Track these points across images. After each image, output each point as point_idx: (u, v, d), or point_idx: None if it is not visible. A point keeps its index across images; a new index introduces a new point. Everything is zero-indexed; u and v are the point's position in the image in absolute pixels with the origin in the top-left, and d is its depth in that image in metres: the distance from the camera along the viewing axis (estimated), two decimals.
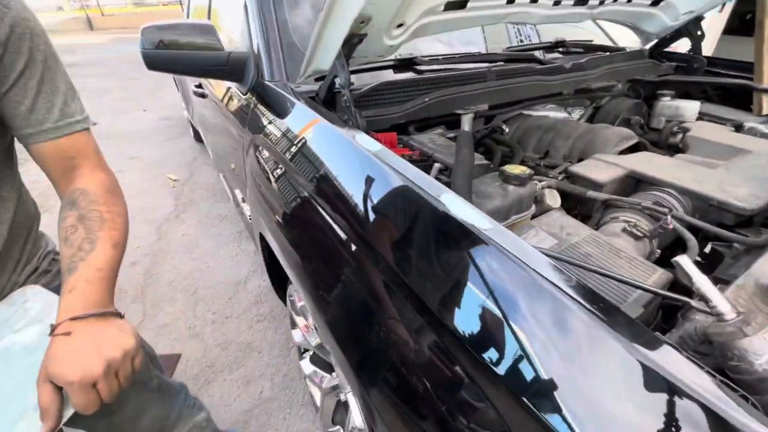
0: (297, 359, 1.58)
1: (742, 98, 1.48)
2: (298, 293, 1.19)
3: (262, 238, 1.22)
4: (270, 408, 1.43)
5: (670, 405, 0.35)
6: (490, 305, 0.46)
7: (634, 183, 0.94)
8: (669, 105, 1.38)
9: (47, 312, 0.60)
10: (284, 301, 1.43)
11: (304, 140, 0.89)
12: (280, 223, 0.96)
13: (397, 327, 0.59)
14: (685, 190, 0.83)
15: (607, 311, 0.40)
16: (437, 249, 0.53)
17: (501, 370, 0.44)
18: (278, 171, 1.00)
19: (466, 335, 0.48)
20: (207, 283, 2.01)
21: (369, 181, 0.66)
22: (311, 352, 1.34)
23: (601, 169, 0.94)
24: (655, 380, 0.35)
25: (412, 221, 0.57)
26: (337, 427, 1.26)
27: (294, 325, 1.34)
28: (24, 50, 0.55)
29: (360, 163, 0.70)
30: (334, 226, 0.72)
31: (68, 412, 0.48)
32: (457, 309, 0.50)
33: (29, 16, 0.56)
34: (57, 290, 0.63)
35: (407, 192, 0.59)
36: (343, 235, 0.70)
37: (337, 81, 0.95)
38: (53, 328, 0.49)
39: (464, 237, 0.50)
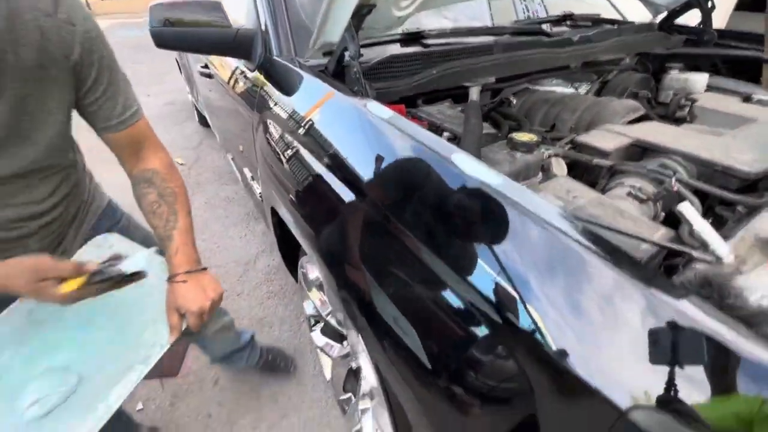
0: (307, 333, 1.63)
1: (752, 72, 1.46)
2: (310, 264, 1.22)
3: (274, 213, 1.25)
4: (282, 378, 1.48)
5: (677, 337, 0.38)
6: (504, 256, 0.48)
7: (640, 152, 0.95)
8: (677, 78, 1.37)
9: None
10: (295, 277, 1.47)
11: (315, 112, 0.91)
12: (292, 195, 0.98)
13: (410, 284, 0.62)
14: (691, 157, 0.84)
15: (614, 254, 0.43)
16: (451, 206, 0.55)
17: (518, 320, 0.46)
18: (289, 144, 1.02)
19: (481, 287, 0.51)
20: (217, 263, 2.06)
21: (382, 146, 0.69)
22: (322, 324, 1.39)
23: (607, 138, 0.95)
24: (663, 313, 0.38)
25: (426, 182, 0.59)
26: (349, 394, 1.30)
27: (305, 296, 1.38)
28: (94, 61, 0.64)
29: (372, 130, 0.72)
30: (348, 192, 0.75)
31: (183, 326, 0.70)
32: (471, 261, 0.52)
33: (91, 27, 0.63)
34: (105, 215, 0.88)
35: (420, 154, 0.61)
36: (356, 200, 0.72)
37: (347, 54, 0.96)
38: (171, 276, 0.70)
39: (477, 192, 0.52)
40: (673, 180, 0.70)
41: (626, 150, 0.93)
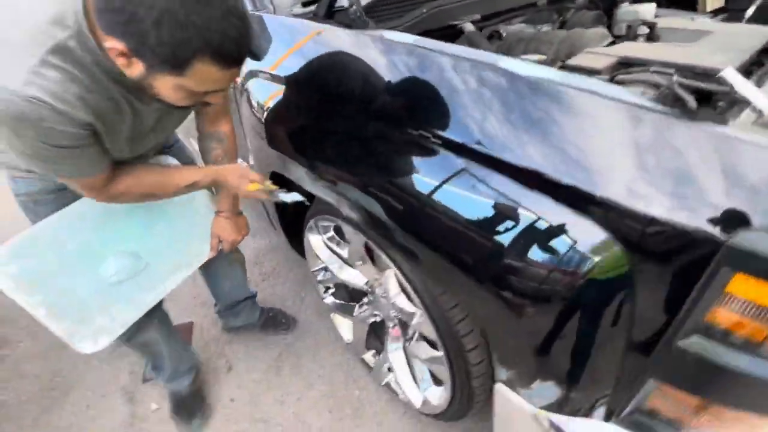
0: (312, 305, 1.61)
1: (688, 2, 1.62)
2: (323, 221, 1.18)
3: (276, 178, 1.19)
4: (297, 351, 1.45)
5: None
6: (576, 140, 0.51)
7: (626, 68, 1.02)
8: (628, 10, 1.49)
9: None
10: (297, 250, 1.41)
11: (313, 50, 0.87)
12: (303, 145, 0.95)
13: (440, 190, 0.63)
14: (673, 65, 0.93)
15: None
16: (512, 106, 0.57)
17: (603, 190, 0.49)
18: (291, 95, 0.97)
19: (555, 171, 0.53)
20: None
21: (412, 71, 0.68)
22: (333, 289, 1.37)
23: (595, 59, 1.01)
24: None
25: (482, 89, 0.60)
26: (372, 350, 1.31)
27: (314, 263, 1.34)
28: None
29: (401, 56, 0.70)
30: (377, 124, 0.74)
31: (218, 248, 1.02)
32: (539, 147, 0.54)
33: None
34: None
35: (462, 67, 0.62)
36: (394, 130, 0.71)
37: None
38: (218, 212, 1.01)
39: (535, 88, 0.54)
40: (674, 77, 0.76)
41: (614, 68, 1.00)
